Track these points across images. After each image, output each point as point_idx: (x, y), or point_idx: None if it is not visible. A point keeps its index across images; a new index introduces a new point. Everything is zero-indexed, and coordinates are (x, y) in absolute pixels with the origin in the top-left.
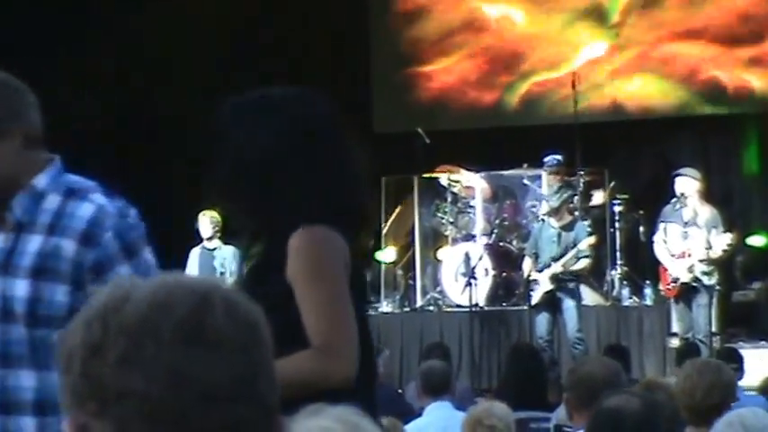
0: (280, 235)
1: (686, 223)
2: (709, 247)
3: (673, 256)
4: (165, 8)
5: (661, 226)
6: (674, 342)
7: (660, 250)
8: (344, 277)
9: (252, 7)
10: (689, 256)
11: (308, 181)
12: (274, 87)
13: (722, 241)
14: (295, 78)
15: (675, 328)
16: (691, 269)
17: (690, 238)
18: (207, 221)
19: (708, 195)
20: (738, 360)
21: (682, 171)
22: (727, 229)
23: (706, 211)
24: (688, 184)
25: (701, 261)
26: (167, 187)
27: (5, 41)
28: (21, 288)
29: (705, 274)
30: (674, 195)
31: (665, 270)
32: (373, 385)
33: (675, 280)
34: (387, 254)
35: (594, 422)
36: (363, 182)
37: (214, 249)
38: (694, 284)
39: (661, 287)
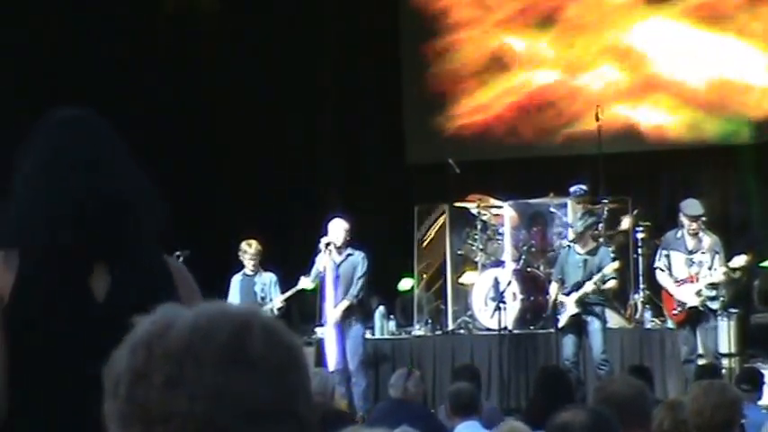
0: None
1: (690, 251)
2: (713, 272)
3: (677, 282)
4: None
5: (663, 253)
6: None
7: (663, 277)
8: None
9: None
10: (696, 281)
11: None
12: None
13: (736, 262)
14: (329, 110)
15: (681, 352)
16: (699, 293)
17: (695, 265)
18: (248, 250)
19: (726, 222)
20: (758, 380)
21: (683, 205)
22: (743, 252)
23: (708, 239)
24: (691, 217)
25: (707, 286)
26: (211, 217)
27: None
28: None
29: (711, 298)
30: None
31: (670, 296)
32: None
33: (682, 305)
34: (405, 283)
35: None
36: None
37: (254, 276)
38: (702, 308)
39: (665, 314)
